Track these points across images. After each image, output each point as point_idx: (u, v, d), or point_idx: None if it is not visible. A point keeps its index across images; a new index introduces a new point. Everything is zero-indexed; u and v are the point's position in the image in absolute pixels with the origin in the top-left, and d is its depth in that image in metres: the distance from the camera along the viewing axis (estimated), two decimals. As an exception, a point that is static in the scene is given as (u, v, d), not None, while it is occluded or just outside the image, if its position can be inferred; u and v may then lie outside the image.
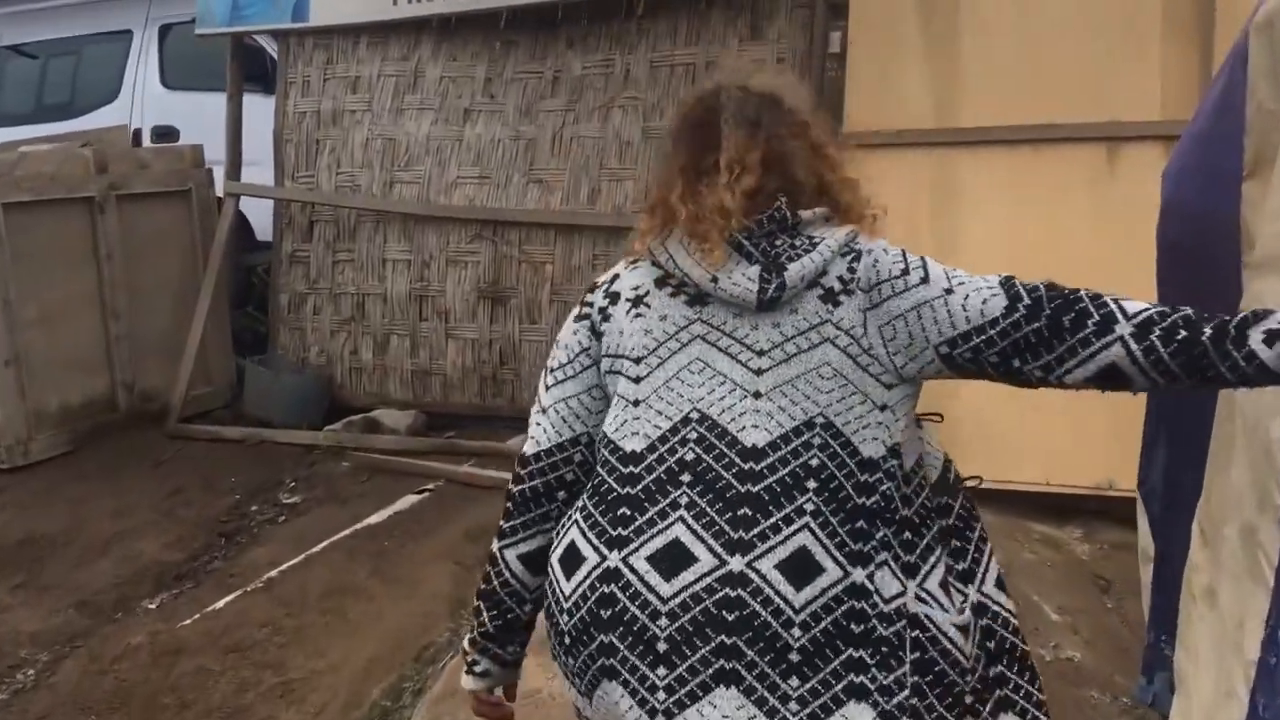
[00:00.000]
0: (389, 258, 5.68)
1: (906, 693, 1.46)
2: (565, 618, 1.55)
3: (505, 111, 5.53)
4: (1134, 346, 1.42)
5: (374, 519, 4.28)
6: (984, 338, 1.48)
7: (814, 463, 1.48)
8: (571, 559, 1.56)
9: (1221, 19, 4.37)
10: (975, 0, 4.68)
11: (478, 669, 1.74)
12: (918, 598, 1.50)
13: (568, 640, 1.55)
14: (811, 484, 1.47)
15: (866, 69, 4.81)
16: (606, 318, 1.62)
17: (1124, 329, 1.43)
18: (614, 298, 1.63)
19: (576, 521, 1.58)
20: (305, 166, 5.90)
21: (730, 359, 1.53)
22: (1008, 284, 1.54)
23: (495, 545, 1.70)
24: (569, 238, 5.30)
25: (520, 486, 1.66)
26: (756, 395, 1.51)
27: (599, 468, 1.59)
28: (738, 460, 1.49)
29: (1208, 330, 1.38)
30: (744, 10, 5.19)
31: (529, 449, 1.67)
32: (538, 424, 1.67)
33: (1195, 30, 4.41)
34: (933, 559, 1.55)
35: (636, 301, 1.60)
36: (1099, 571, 3.96)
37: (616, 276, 1.66)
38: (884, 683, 1.45)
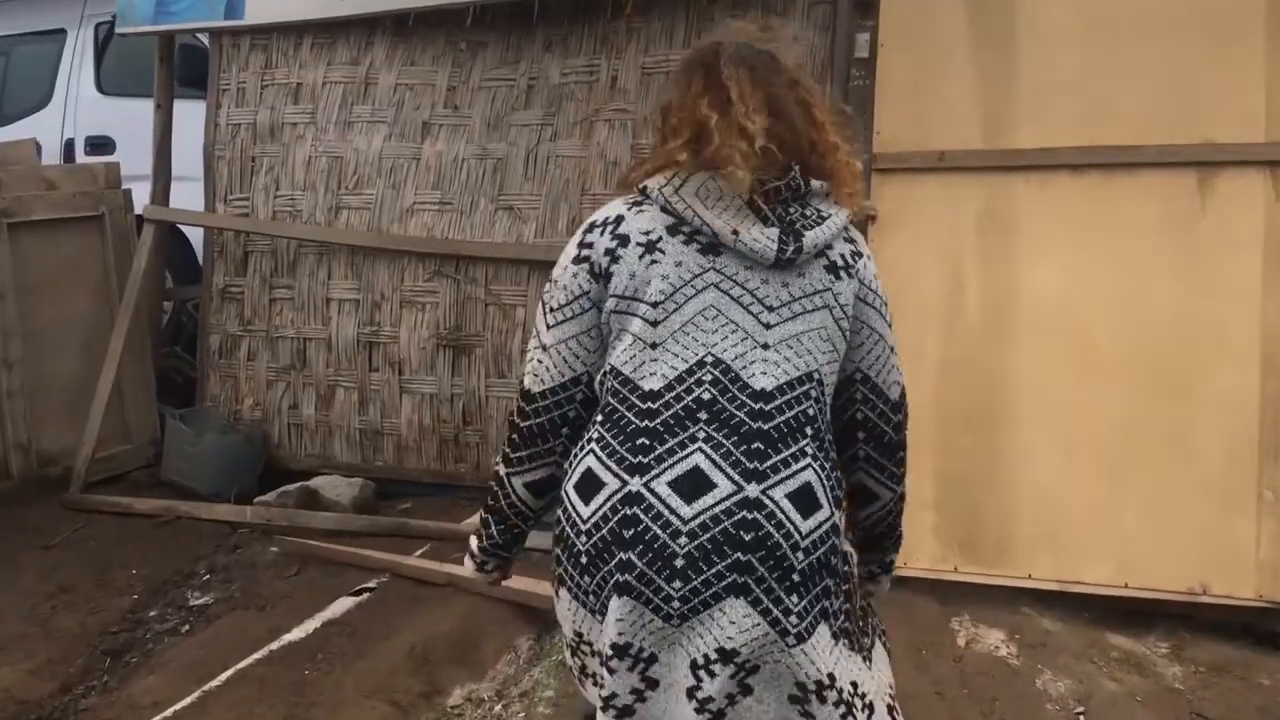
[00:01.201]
0: (334, 296, 4.85)
1: (843, 618, 1.70)
2: (584, 539, 1.65)
3: (471, 125, 4.72)
4: (891, 504, 1.87)
5: (297, 633, 3.45)
6: (874, 401, 1.75)
7: (810, 411, 1.66)
8: (589, 485, 1.65)
9: (1339, 19, 3.57)
10: (1036, -6, 3.87)
11: (488, 568, 1.97)
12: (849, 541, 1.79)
13: (584, 560, 1.65)
14: (809, 430, 1.65)
15: (900, 77, 3.99)
16: (615, 259, 1.67)
17: (900, 489, 1.87)
18: (623, 240, 1.68)
19: (593, 451, 1.66)
20: (239, 187, 5.07)
21: (743, 309, 1.65)
22: (904, 390, 1.80)
23: (502, 470, 1.85)
24: (545, 276, 4.45)
25: (527, 422, 1.78)
26: (765, 346, 1.65)
27: (613, 400, 1.67)
28: (749, 401, 1.63)
29: (896, 533, 1.94)
30: (753, 6, 4.37)
31: (532, 385, 1.77)
32: (539, 361, 1.76)
33: (1308, 32, 3.60)
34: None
35: (650, 247, 1.66)
36: (1202, 709, 3.15)
37: (621, 218, 1.71)
38: (836, 607, 1.68)
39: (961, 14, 3.94)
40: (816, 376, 1.67)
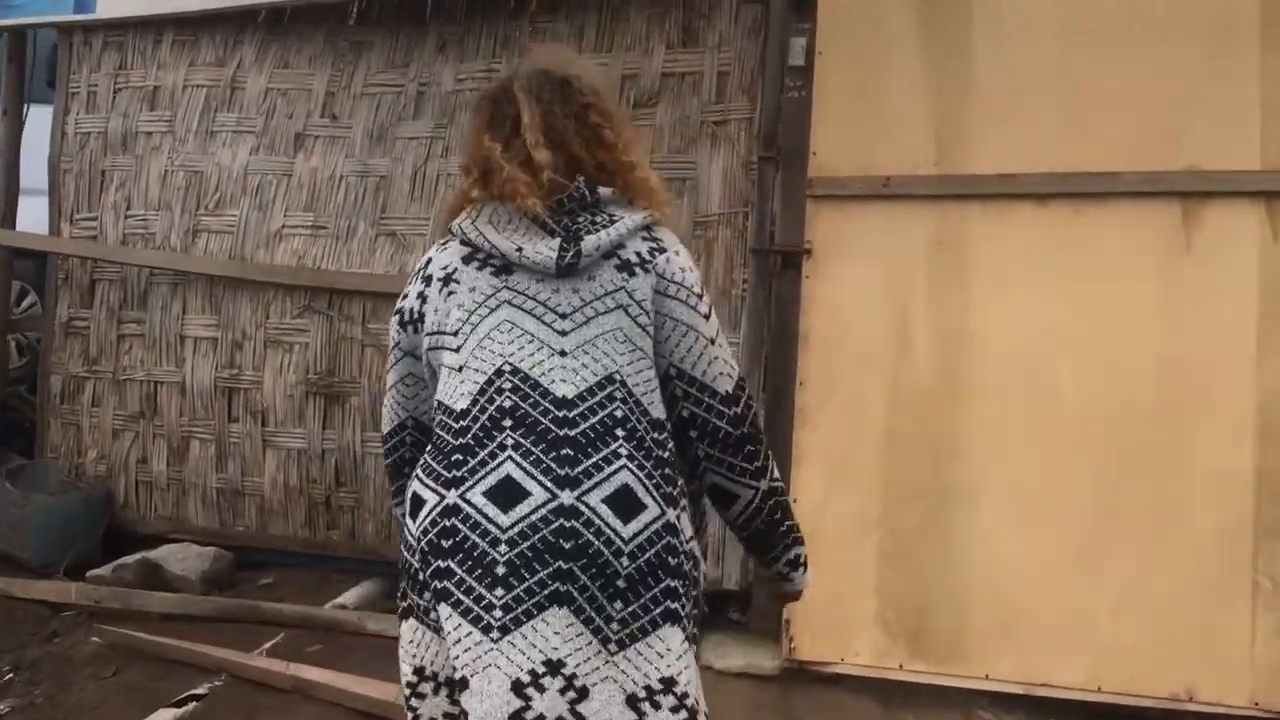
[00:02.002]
0: (189, 334, 4.19)
1: (692, 622, 1.68)
2: (415, 556, 1.66)
3: (351, 137, 4.10)
4: (756, 501, 1.78)
5: (96, 763, 2.80)
6: (697, 395, 1.71)
7: (619, 414, 1.64)
8: (415, 506, 1.68)
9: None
10: (996, -4, 3.34)
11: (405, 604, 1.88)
12: (696, 543, 1.73)
13: (419, 576, 1.65)
14: (620, 432, 1.63)
15: (840, 89, 3.44)
16: (424, 300, 1.74)
17: (763, 485, 1.77)
18: (428, 280, 1.74)
19: (417, 475, 1.71)
20: (87, 205, 4.41)
21: (536, 320, 1.68)
22: (741, 382, 1.76)
23: (391, 505, 2.00)
24: (431, 313, 3.85)
25: (387, 461, 1.92)
26: (562, 354, 1.66)
27: (437, 429, 1.71)
28: (552, 408, 1.63)
29: (783, 529, 1.85)
30: (674, 5, 3.81)
31: (383, 427, 1.90)
32: (385, 405, 1.88)
33: (1310, 42, 3.10)
34: (689, 512, 1.73)
35: (447, 280, 1.72)
36: None
37: (429, 260, 1.78)
38: (688, 610, 1.66)
39: (911, 17, 3.40)
40: (618, 378, 1.66)
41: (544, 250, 1.67)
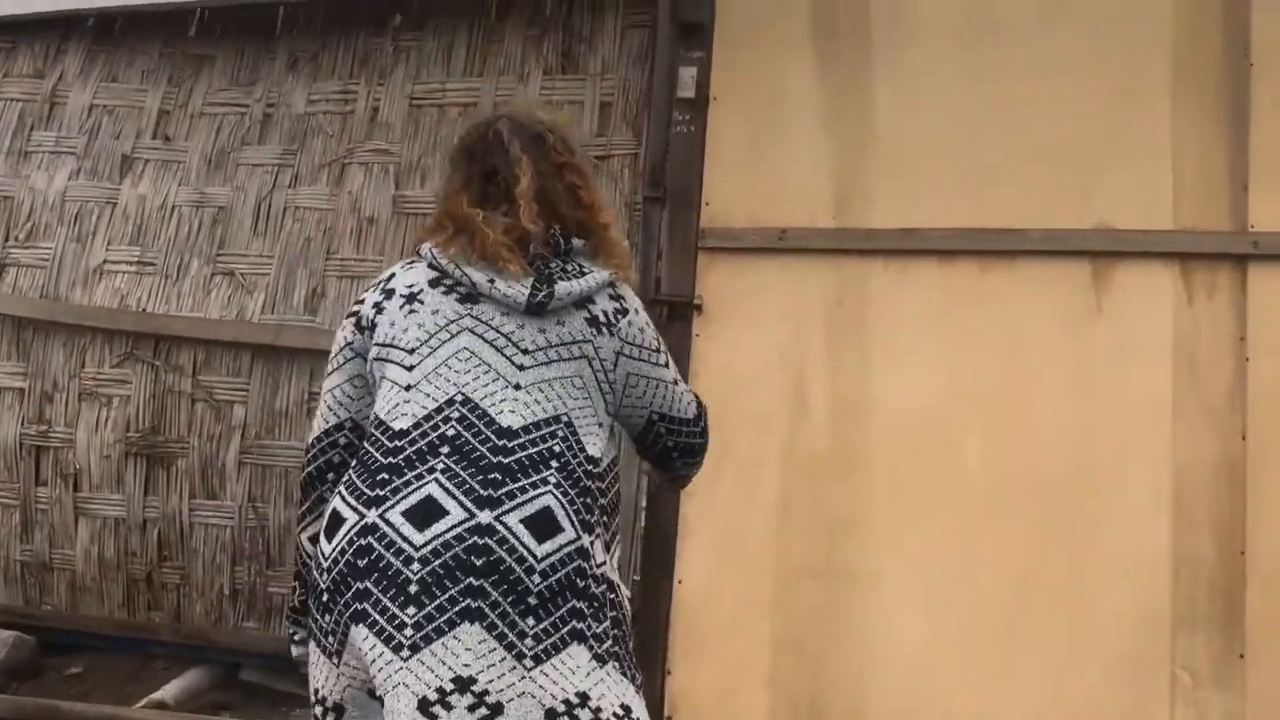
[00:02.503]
0: (-9, 383, 3.66)
1: (609, 642, 1.71)
2: (325, 577, 1.66)
3: (186, 162, 3.68)
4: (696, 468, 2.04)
5: None
6: (676, 428, 1.92)
7: (556, 448, 1.72)
8: (333, 524, 1.69)
9: (1260, 75, 2.91)
10: (900, 37, 3.09)
11: (297, 638, 1.89)
12: (610, 568, 1.79)
13: (325, 597, 1.66)
14: (554, 464, 1.70)
15: (734, 131, 3.16)
16: (380, 310, 1.79)
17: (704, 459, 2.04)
18: (389, 294, 1.80)
19: (340, 492, 1.72)
20: (-124, 232, 3.83)
21: (496, 351, 1.74)
22: (699, 401, 1.96)
23: (296, 530, 1.94)
24: (273, 365, 3.43)
25: (304, 472, 1.86)
26: (517, 387, 1.72)
27: (367, 444, 1.74)
28: (493, 437, 1.68)
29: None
30: (552, 27, 3.48)
31: (310, 435, 1.87)
32: (318, 411, 1.86)
33: (1223, 92, 2.94)
34: (615, 543, 1.85)
35: (411, 299, 1.77)
36: None
37: (393, 275, 1.84)
38: (596, 631, 1.69)
39: (809, 62, 3.14)
40: (565, 419, 1.74)
41: (515, 286, 1.74)
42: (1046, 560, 2.88)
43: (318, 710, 1.72)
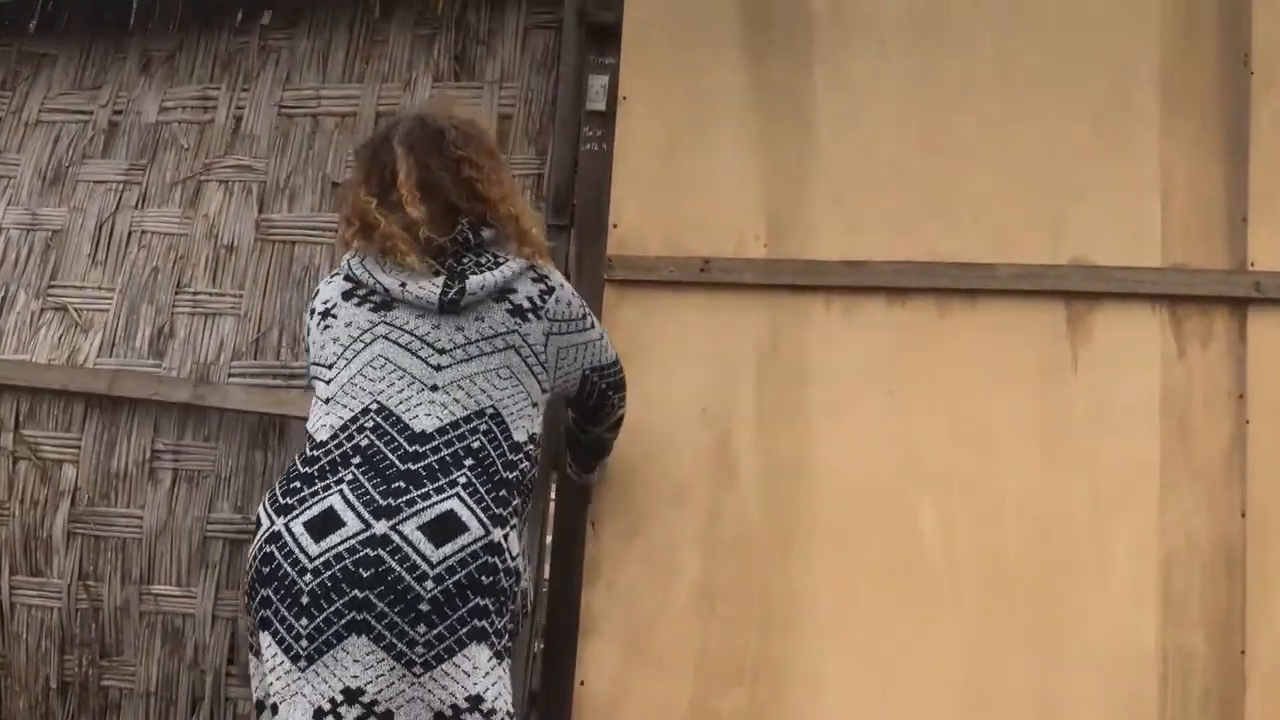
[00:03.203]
0: None
1: (507, 638, 1.77)
2: (245, 580, 1.78)
3: (17, 178, 3.15)
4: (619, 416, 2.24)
5: None
6: (605, 375, 2.06)
7: (475, 445, 1.78)
8: (255, 528, 1.79)
9: (1262, 87, 2.53)
10: (845, 36, 2.65)
11: None
12: (520, 556, 1.85)
13: (245, 599, 1.78)
14: (469, 462, 1.76)
15: (647, 140, 2.71)
16: (308, 331, 1.92)
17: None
18: (312, 312, 1.92)
19: (263, 503, 1.80)
20: None
21: (411, 355, 1.80)
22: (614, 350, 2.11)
23: None
24: (110, 417, 2.89)
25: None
26: (434, 388, 1.78)
27: (295, 457, 1.84)
28: (404, 444, 1.75)
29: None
30: (444, 27, 3.02)
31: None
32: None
33: (1219, 107, 2.54)
34: (524, 526, 1.94)
35: (325, 314, 1.88)
36: None
37: (317, 292, 1.95)
38: (499, 626, 1.74)
39: (737, 60, 2.69)
40: (490, 412, 1.80)
41: (428, 286, 1.80)
42: (1012, 657, 2.44)
43: (256, 713, 1.83)
